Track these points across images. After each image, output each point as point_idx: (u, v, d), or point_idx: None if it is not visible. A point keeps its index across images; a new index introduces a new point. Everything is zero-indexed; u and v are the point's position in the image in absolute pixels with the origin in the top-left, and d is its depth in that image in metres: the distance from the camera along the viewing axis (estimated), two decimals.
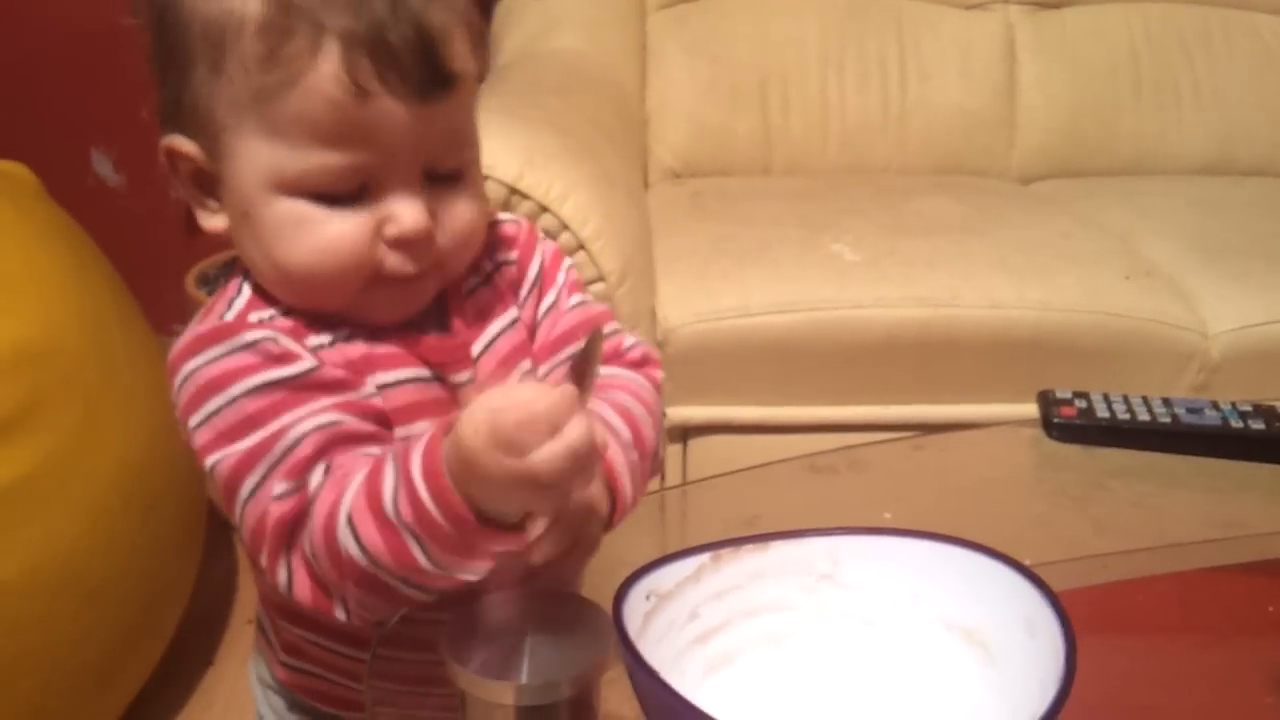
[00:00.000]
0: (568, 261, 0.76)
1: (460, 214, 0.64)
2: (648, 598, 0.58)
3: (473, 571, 0.54)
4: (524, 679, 0.54)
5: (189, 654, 1.48)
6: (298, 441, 0.59)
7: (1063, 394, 0.90)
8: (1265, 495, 0.90)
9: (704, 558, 0.60)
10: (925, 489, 0.86)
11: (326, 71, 0.57)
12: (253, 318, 0.63)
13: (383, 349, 0.65)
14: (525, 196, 1.39)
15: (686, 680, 0.56)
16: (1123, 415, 0.88)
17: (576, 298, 0.75)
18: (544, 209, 1.40)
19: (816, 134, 2.08)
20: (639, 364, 0.74)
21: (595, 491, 0.59)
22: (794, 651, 0.61)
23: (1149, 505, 0.87)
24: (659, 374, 0.75)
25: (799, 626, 0.61)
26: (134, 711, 1.34)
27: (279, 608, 0.70)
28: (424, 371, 0.66)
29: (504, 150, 1.40)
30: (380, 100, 0.58)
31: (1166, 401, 0.90)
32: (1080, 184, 2.06)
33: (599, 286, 1.43)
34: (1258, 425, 0.88)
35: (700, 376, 1.53)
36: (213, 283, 1.75)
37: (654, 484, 0.90)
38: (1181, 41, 2.16)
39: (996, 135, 2.12)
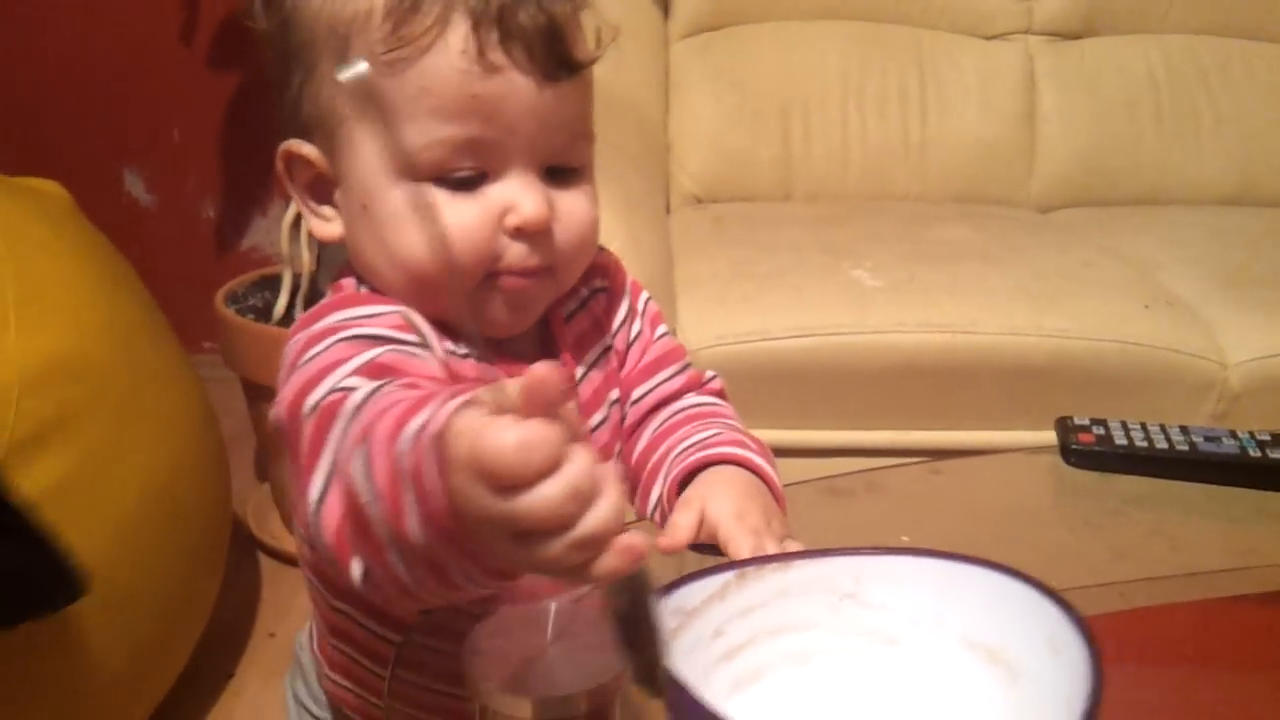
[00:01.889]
0: (646, 293, 0.77)
1: (579, 212, 0.64)
2: (674, 615, 0.58)
3: (476, 575, 0.45)
4: (542, 693, 0.54)
5: (210, 666, 1.49)
6: (374, 356, 0.56)
7: (1081, 421, 0.91)
8: None
9: (729, 575, 0.60)
10: (943, 513, 0.86)
11: (454, 44, 0.57)
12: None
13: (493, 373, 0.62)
14: None
15: (713, 697, 0.57)
16: (1141, 443, 0.88)
17: (662, 329, 0.76)
18: None
19: (837, 161, 2.10)
20: (718, 394, 0.76)
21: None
22: (819, 670, 0.61)
23: (1167, 533, 0.87)
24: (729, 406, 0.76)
25: (823, 645, 0.61)
26: (160, 714, 1.35)
27: (332, 628, 0.69)
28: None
29: None
30: (506, 75, 0.58)
31: (1184, 429, 0.90)
32: (1100, 213, 2.07)
33: None
34: (1276, 455, 0.88)
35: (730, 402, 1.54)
36: (241, 301, 1.76)
37: None
38: (1201, 73, 2.17)
39: (1016, 164, 2.13)
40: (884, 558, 0.61)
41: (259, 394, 1.70)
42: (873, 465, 0.92)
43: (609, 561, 0.39)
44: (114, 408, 1.24)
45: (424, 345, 0.60)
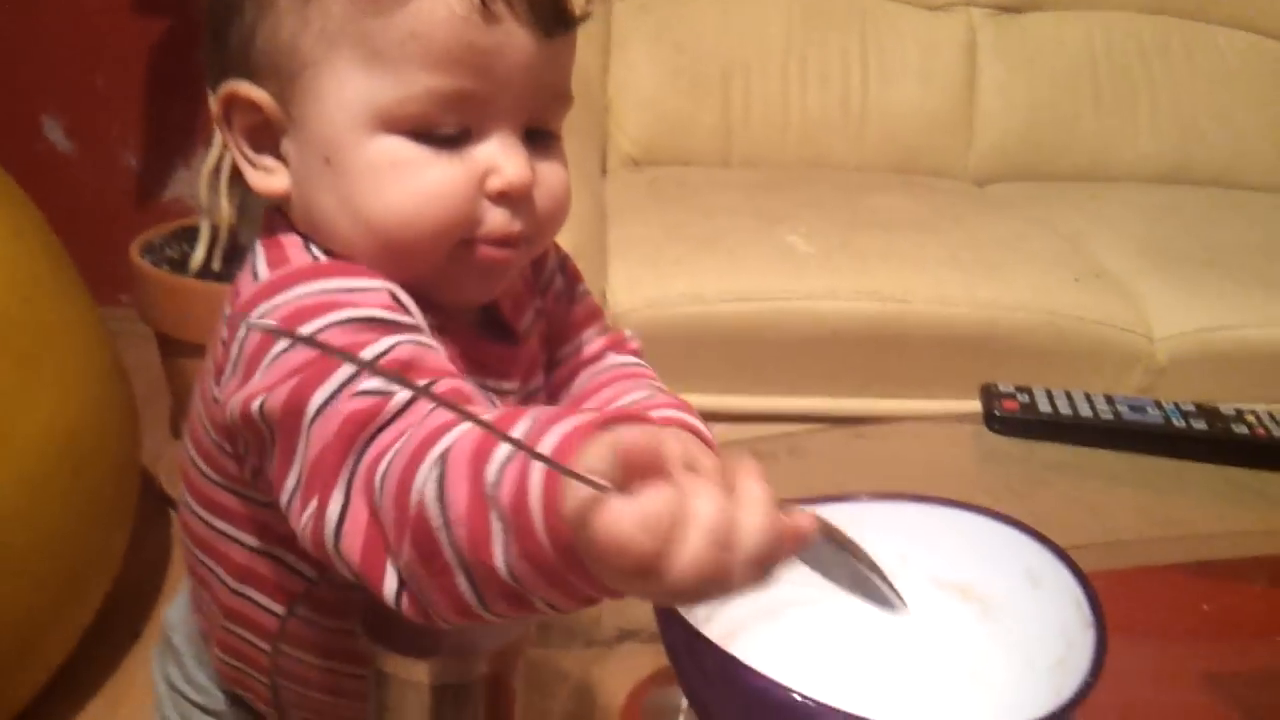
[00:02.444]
0: (564, 250, 0.73)
1: (558, 178, 0.59)
2: None
3: (561, 603, 0.41)
4: (440, 655, 0.52)
5: (116, 626, 1.45)
6: (389, 350, 0.50)
7: (1005, 388, 0.90)
8: (1204, 495, 0.90)
9: None
10: (864, 477, 0.85)
11: None
12: None
13: (454, 345, 0.58)
14: None
15: None
16: (1065, 411, 0.88)
17: (582, 286, 0.73)
18: None
19: (777, 128, 2.08)
20: (637, 354, 0.73)
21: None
22: (793, 625, 0.60)
23: (1088, 501, 0.87)
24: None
25: (793, 598, 0.60)
26: (57, 682, 1.31)
27: (230, 613, 0.64)
28: (476, 378, 0.59)
29: None
30: (506, 26, 0.54)
31: (1109, 399, 0.90)
32: (1035, 187, 2.07)
33: None
34: (1200, 425, 0.88)
35: (650, 363, 1.52)
36: (158, 252, 1.71)
37: None
38: (1141, 51, 2.18)
39: (955, 136, 2.13)
40: (842, 505, 0.59)
41: (175, 349, 1.65)
42: (797, 430, 0.91)
43: (781, 556, 0.37)
44: (14, 360, 1.19)
45: (420, 327, 0.55)
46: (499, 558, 0.40)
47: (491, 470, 0.40)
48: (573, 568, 0.38)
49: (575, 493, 0.36)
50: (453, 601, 0.43)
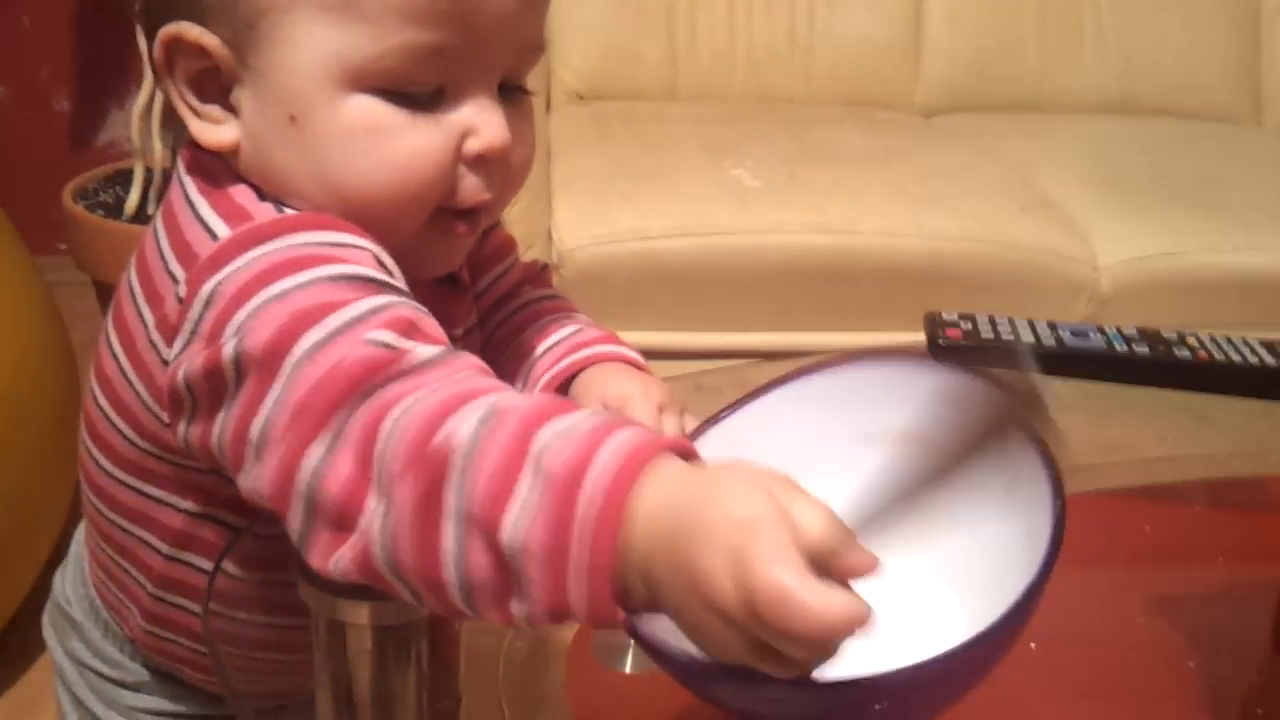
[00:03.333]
0: None
1: (527, 137, 0.56)
2: None
3: (539, 595, 0.37)
4: (380, 597, 0.51)
5: None
6: (389, 305, 0.46)
7: (949, 315, 0.90)
8: (1147, 419, 0.90)
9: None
10: None
11: None
12: None
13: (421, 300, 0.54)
14: None
15: None
16: (1007, 337, 0.87)
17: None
18: None
19: (724, 61, 2.06)
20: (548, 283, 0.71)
21: None
22: None
23: None
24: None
25: None
26: (6, 636, 1.29)
27: (162, 579, 0.61)
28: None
29: None
30: None
31: (1052, 325, 0.90)
32: (983, 118, 2.07)
33: None
34: (1142, 349, 0.88)
35: (596, 300, 1.50)
36: (92, 197, 1.66)
37: None
38: None
39: (902, 67, 2.12)
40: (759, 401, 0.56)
41: (112, 296, 1.61)
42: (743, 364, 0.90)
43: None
44: None
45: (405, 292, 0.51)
46: (510, 519, 0.37)
47: (545, 434, 0.38)
48: (597, 565, 0.35)
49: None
50: (422, 557, 0.39)
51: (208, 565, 0.59)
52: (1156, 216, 1.67)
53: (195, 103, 0.53)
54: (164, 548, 0.59)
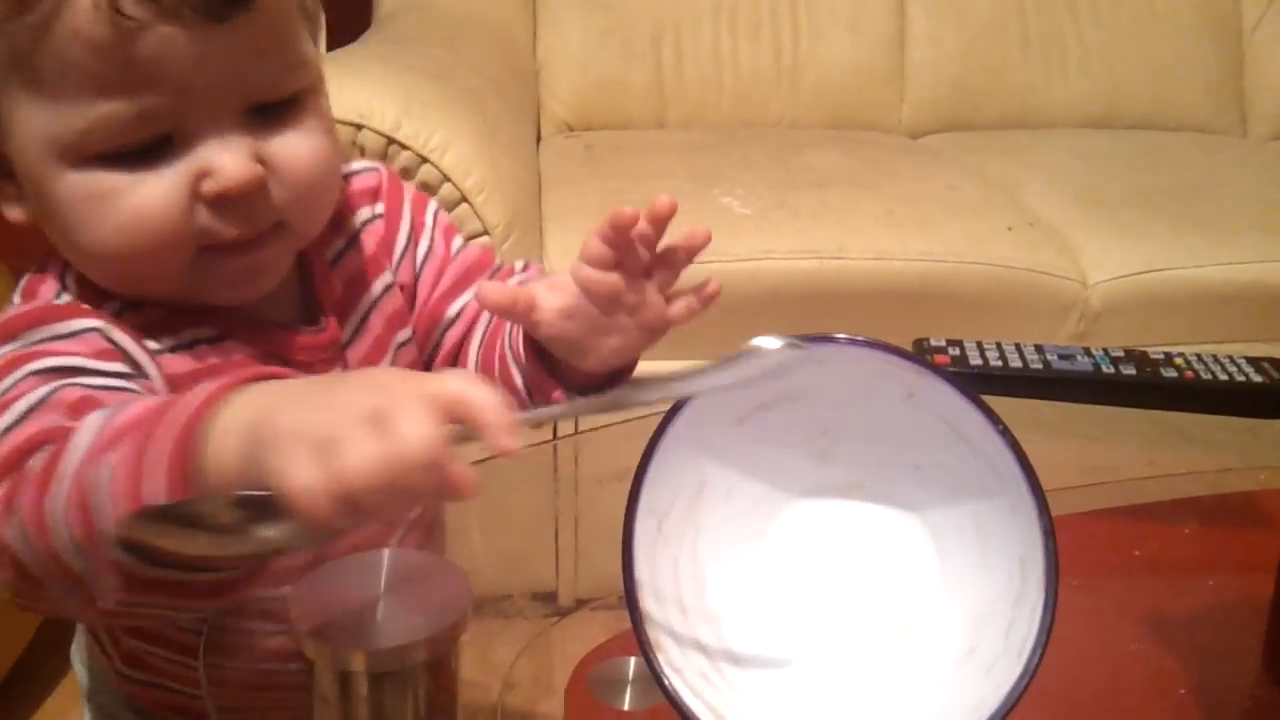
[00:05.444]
0: (433, 205, 0.68)
1: (301, 154, 0.53)
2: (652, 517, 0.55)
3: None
4: (377, 644, 0.52)
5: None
6: (50, 394, 0.48)
7: (937, 341, 0.91)
8: (1136, 440, 0.91)
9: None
10: None
11: (83, 5, 0.46)
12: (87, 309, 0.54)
13: (238, 352, 0.56)
14: (404, 147, 1.36)
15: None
16: (995, 362, 0.88)
17: (458, 241, 0.68)
18: (424, 159, 1.36)
19: (711, 87, 2.07)
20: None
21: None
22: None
23: None
24: None
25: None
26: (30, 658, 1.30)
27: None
28: (285, 373, 0.57)
29: (381, 99, 1.36)
30: (155, 30, 0.47)
31: (1039, 348, 0.90)
32: (968, 137, 2.08)
33: (484, 239, 1.40)
34: (1129, 371, 0.89)
35: None
36: None
37: (543, 434, 0.88)
38: None
39: (887, 89, 2.13)
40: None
41: None
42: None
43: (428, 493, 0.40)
44: None
45: (135, 371, 0.52)
46: (107, 459, 0.42)
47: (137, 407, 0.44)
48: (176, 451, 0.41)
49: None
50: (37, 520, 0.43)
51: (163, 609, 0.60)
52: (1144, 231, 1.67)
53: None
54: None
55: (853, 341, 0.54)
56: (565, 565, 1.42)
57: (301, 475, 0.38)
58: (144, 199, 0.50)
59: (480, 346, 0.66)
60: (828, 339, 0.54)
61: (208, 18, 0.48)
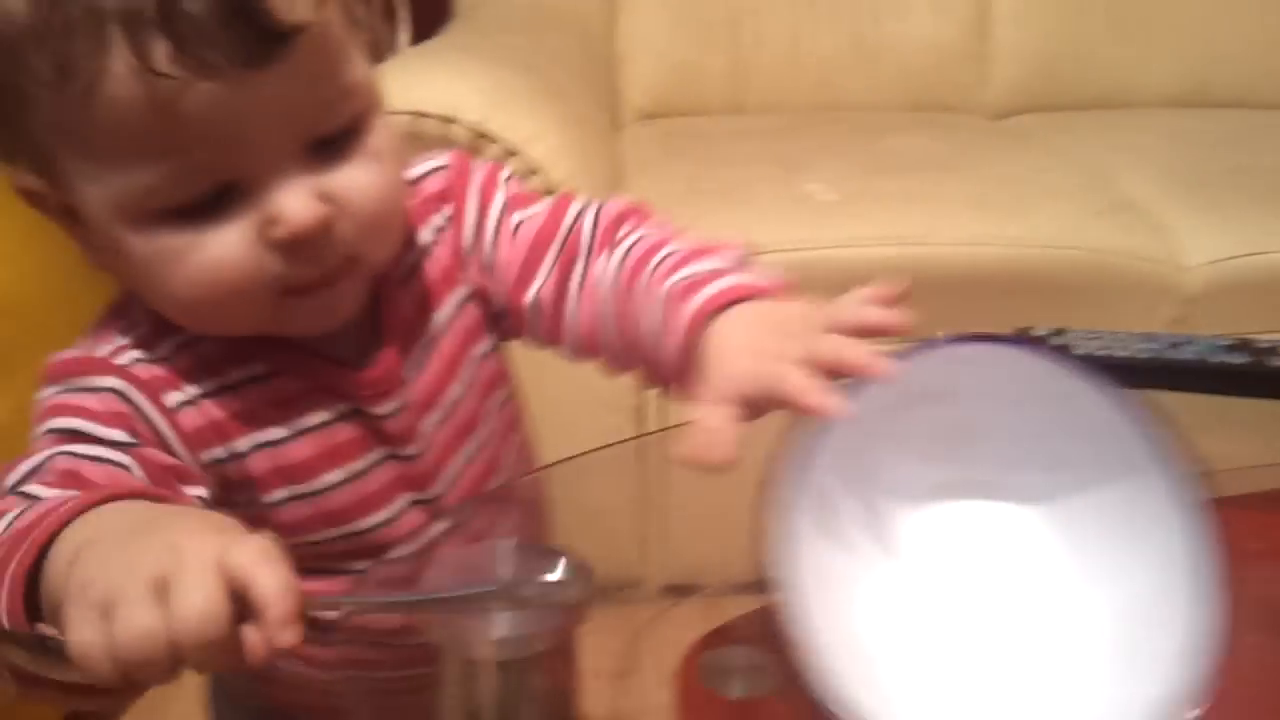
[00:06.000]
0: (505, 173, 0.66)
1: (365, 186, 0.53)
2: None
3: None
4: (501, 632, 0.53)
5: None
6: (44, 462, 0.52)
7: (1041, 331, 0.89)
8: (1243, 430, 0.89)
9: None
10: None
11: (119, 70, 0.46)
12: (131, 356, 0.56)
13: (287, 391, 0.58)
14: (493, 139, 1.36)
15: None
16: (1102, 352, 0.87)
17: (516, 216, 0.64)
18: (512, 152, 1.37)
19: (789, 70, 2.06)
20: (620, 218, 0.65)
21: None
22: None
23: None
24: (647, 218, 0.66)
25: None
26: None
27: None
28: (341, 407, 0.59)
29: (469, 91, 1.37)
30: (196, 86, 0.46)
31: (1146, 336, 0.89)
32: (1055, 118, 2.04)
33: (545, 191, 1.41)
34: (1239, 359, 0.87)
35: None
36: None
37: (628, 430, 0.89)
38: None
39: (969, 70, 2.10)
40: None
41: None
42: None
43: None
44: (55, 345, 1.20)
45: (134, 440, 0.54)
46: None
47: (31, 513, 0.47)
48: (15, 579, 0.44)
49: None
50: None
51: None
52: (1240, 213, 1.63)
53: (77, 229, 0.55)
54: None
55: (987, 338, 0.53)
56: (654, 553, 1.44)
57: (85, 632, 0.40)
58: (213, 254, 0.51)
59: (586, 306, 0.63)
60: (962, 339, 0.53)
61: (246, 67, 0.47)
